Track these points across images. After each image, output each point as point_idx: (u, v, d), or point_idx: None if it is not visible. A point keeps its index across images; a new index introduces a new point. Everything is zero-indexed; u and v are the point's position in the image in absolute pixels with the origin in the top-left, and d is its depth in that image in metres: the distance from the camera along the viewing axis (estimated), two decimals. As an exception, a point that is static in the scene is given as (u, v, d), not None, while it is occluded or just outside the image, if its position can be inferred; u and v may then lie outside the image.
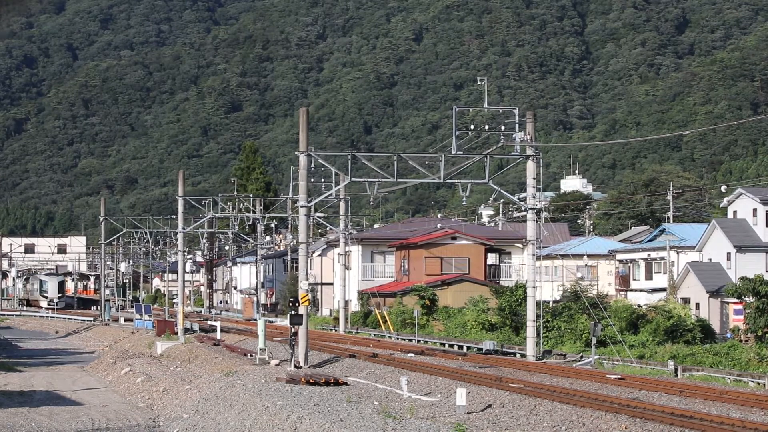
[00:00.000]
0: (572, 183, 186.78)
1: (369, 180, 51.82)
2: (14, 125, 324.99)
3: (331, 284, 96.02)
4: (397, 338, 68.22)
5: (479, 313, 64.66)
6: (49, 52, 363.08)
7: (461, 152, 50.25)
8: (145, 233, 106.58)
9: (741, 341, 52.78)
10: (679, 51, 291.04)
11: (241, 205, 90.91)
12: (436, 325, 70.71)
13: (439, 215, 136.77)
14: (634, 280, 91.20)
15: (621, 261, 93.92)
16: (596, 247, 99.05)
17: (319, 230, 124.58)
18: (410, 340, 65.53)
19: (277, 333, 65.08)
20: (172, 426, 35.82)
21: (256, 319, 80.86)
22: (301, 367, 44.89)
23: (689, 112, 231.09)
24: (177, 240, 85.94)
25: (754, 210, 77.19)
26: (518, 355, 52.66)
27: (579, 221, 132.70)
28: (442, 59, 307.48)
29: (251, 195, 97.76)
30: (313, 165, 50.14)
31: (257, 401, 34.50)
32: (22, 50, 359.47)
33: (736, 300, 58.08)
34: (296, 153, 48.20)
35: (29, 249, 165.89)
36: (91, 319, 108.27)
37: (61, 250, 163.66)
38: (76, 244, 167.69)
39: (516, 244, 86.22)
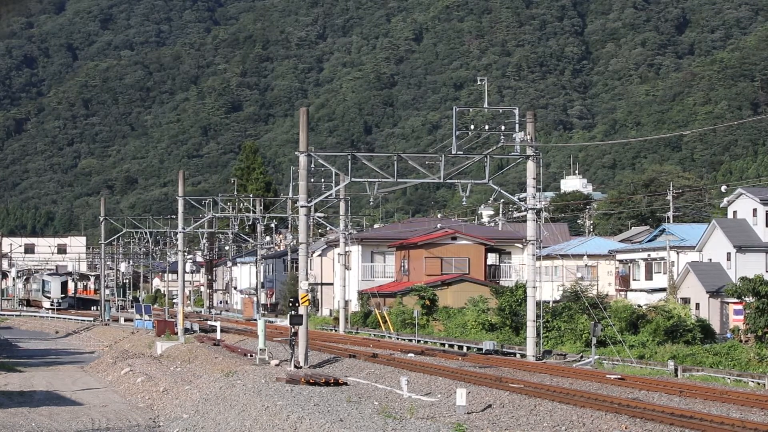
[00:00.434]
0: (572, 183, 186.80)
1: (369, 180, 51.82)
2: (14, 125, 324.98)
3: (331, 284, 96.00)
4: (397, 338, 68.21)
5: (479, 313, 64.66)
6: (49, 52, 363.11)
7: (461, 152, 50.24)
8: (145, 233, 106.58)
9: (741, 341, 52.78)
10: (679, 51, 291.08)
11: (241, 205, 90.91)
12: (436, 325, 70.70)
13: (439, 215, 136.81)
14: (634, 280, 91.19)
15: (621, 261, 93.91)
16: (596, 247, 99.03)
17: (319, 230, 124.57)
18: (410, 340, 65.52)
19: (277, 333, 65.07)
20: (172, 426, 35.83)
21: (256, 320, 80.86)
22: (301, 367, 44.88)
23: (689, 112, 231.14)
24: (177, 240, 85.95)
25: (754, 210, 77.19)
26: (518, 356, 52.66)
27: (579, 221, 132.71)
28: (442, 59, 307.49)
29: (251, 195, 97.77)
30: (313, 165, 50.13)
31: (257, 401, 34.51)
32: (22, 50, 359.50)
33: (736, 300, 58.07)
34: (296, 153, 48.20)
35: (29, 249, 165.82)
36: (91, 319, 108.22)
37: (61, 250, 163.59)
38: (76, 244, 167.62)
39: (516, 244, 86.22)
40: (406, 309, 72.98)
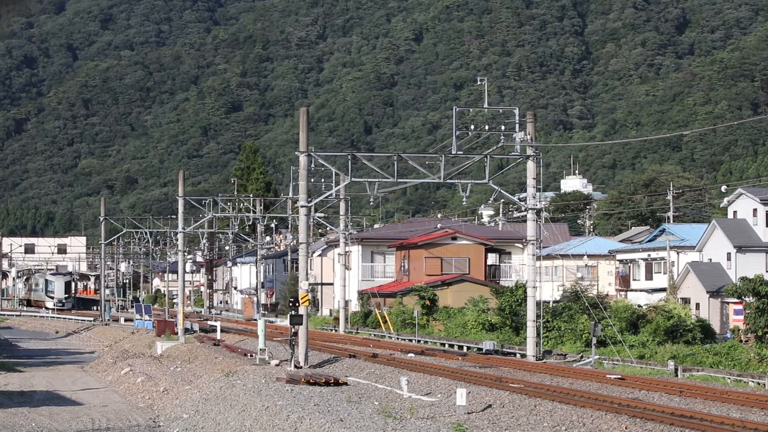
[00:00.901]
0: (572, 183, 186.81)
1: (369, 180, 51.83)
2: (14, 125, 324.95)
3: (331, 284, 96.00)
4: (397, 338, 68.21)
5: (479, 313, 64.66)
6: (49, 52, 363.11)
7: (461, 152, 50.24)
8: (145, 233, 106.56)
9: (741, 341, 52.77)
10: (679, 51, 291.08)
11: (241, 205, 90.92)
12: (436, 325, 70.70)
13: (439, 215, 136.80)
14: (634, 280, 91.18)
15: (621, 261, 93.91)
16: (596, 247, 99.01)
17: (319, 230, 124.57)
18: (410, 340, 65.52)
19: (277, 333, 65.07)
20: (172, 426, 35.83)
21: (256, 319, 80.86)
22: (301, 367, 44.88)
23: (689, 112, 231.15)
24: (177, 240, 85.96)
25: (754, 210, 77.19)
26: (518, 355, 52.66)
27: (579, 221, 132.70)
28: (442, 59, 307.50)
29: (251, 195, 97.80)
30: (313, 165, 50.12)
31: (257, 401, 34.51)
32: (22, 50, 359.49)
33: (736, 300, 58.06)
34: (296, 153, 48.20)
35: (29, 249, 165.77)
36: (91, 319, 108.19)
37: (61, 250, 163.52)
38: (76, 244, 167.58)
39: (516, 244, 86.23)
40: (406, 309, 72.98)
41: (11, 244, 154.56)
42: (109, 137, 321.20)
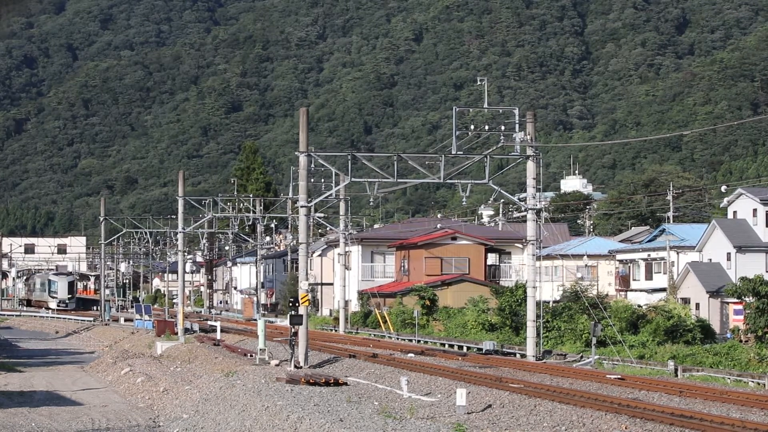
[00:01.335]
0: (572, 183, 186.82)
1: (369, 180, 51.83)
2: (14, 125, 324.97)
3: (331, 284, 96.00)
4: (397, 338, 68.20)
5: (479, 313, 64.65)
6: (49, 52, 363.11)
7: (461, 152, 50.24)
8: (145, 233, 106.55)
9: (741, 341, 52.77)
10: (679, 51, 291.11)
11: (241, 205, 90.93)
12: (436, 326, 70.69)
13: (439, 215, 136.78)
14: (634, 280, 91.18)
15: (621, 261, 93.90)
16: (596, 247, 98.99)
17: (319, 230, 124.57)
18: (410, 341, 65.52)
19: (277, 333, 65.06)
20: (172, 426, 35.83)
21: (256, 320, 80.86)
22: (301, 368, 44.88)
23: (689, 112, 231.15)
24: (177, 240, 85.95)
25: (754, 210, 77.19)
26: (518, 356, 52.65)
27: (579, 221, 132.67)
28: (442, 59, 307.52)
29: (251, 195, 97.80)
30: (313, 165, 50.12)
31: (257, 401, 34.50)
32: (22, 50, 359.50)
33: (736, 300, 58.08)
34: (296, 153, 48.19)
35: (29, 249, 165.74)
36: (91, 319, 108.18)
37: (61, 250, 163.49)
38: (76, 244, 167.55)
39: (516, 244, 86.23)
40: (406, 309, 72.98)
41: (11, 244, 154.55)
42: (109, 137, 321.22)
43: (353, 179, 50.56)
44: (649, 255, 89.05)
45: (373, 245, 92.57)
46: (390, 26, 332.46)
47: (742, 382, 39.76)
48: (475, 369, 42.95)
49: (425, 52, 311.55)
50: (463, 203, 57.06)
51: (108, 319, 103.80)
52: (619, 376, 39.08)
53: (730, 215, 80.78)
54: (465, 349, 57.53)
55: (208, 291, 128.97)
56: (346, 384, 38.49)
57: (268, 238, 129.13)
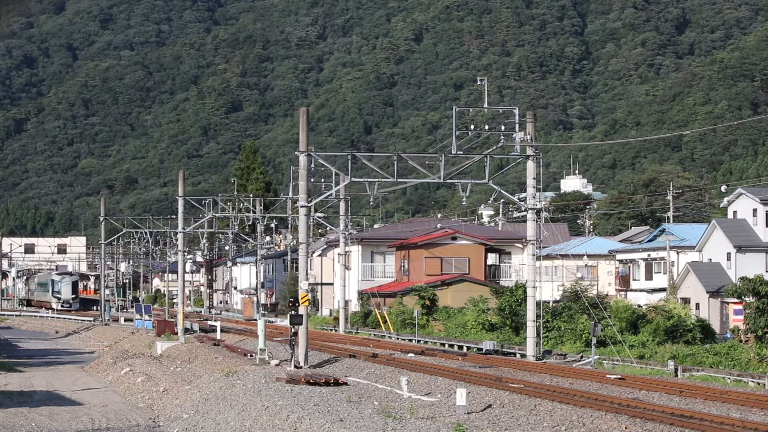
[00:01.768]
0: (572, 183, 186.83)
1: (369, 180, 51.84)
2: (14, 125, 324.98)
3: (331, 284, 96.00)
4: (397, 338, 68.21)
5: (479, 313, 64.65)
6: (49, 52, 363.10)
7: (461, 152, 50.24)
8: (145, 233, 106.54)
9: (741, 341, 52.77)
10: (679, 51, 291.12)
11: (241, 205, 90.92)
12: (436, 325, 70.69)
13: (439, 215, 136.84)
14: (634, 280, 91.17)
15: (621, 261, 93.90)
16: (596, 247, 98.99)
17: (319, 230, 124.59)
18: (410, 340, 65.52)
19: (277, 333, 65.06)
20: (172, 426, 35.84)
21: (256, 319, 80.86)
22: (301, 367, 44.88)
23: (689, 112, 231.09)
24: (177, 240, 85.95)
25: (754, 210, 77.18)
26: (518, 355, 52.65)
27: (579, 221, 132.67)
28: (442, 59, 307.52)
29: (251, 195, 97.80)
30: (313, 165, 50.11)
31: (257, 401, 34.50)
32: (22, 50, 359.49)
33: (736, 300, 58.05)
34: (296, 153, 48.19)
35: (29, 249, 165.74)
36: (91, 319, 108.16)
37: (61, 250, 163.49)
38: (76, 244, 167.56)
39: (516, 244, 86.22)
40: (406, 309, 72.98)
41: (11, 244, 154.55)
42: (109, 137, 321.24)
43: (353, 179, 50.55)
44: (649, 255, 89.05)
45: (373, 245, 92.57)
46: (390, 26, 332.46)
47: (742, 382, 39.76)
48: (475, 369, 42.95)
49: (425, 52, 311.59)
50: (463, 203, 57.11)
51: (108, 319, 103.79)
52: (619, 376, 39.08)
53: (730, 215, 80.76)
54: (465, 349, 57.53)
55: (208, 291, 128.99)
56: (346, 384, 38.48)
57: (268, 238, 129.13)
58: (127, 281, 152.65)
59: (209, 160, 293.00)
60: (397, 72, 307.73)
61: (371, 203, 58.15)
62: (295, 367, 44.75)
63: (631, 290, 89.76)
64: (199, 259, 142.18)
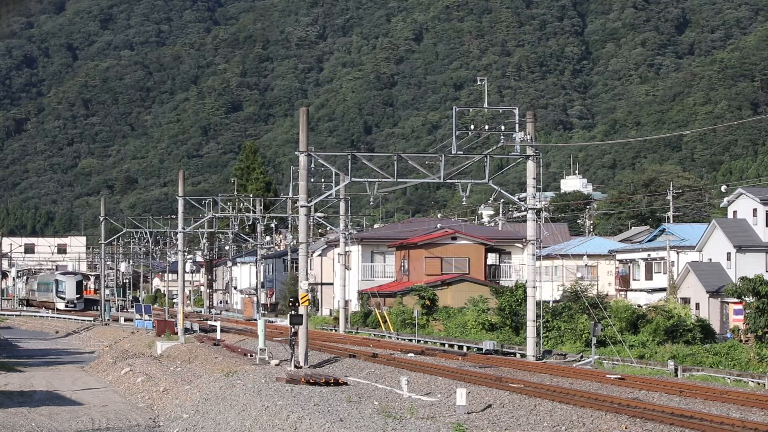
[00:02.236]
0: (572, 183, 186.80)
1: (369, 180, 51.85)
2: (14, 125, 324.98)
3: (331, 284, 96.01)
4: (397, 338, 68.21)
5: (479, 313, 64.66)
6: (49, 52, 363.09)
7: (461, 152, 50.25)
8: (145, 233, 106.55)
9: (741, 341, 52.77)
10: (679, 51, 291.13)
11: (241, 205, 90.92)
12: (436, 325, 70.70)
13: (439, 215, 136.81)
14: (634, 280, 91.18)
15: (621, 261, 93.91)
16: (596, 247, 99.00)
17: (319, 230, 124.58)
18: (410, 340, 65.52)
19: (277, 333, 65.07)
20: (172, 426, 35.84)
21: (256, 319, 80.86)
22: (301, 367, 44.88)
23: (689, 112, 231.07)
24: (177, 240, 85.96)
25: (754, 210, 77.18)
26: (518, 355, 52.66)
27: (579, 221, 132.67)
28: (442, 59, 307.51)
29: (251, 195, 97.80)
30: (313, 165, 50.12)
31: (257, 401, 34.50)
32: (22, 50, 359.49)
33: (736, 300, 58.06)
34: (296, 153, 48.19)
35: (29, 249, 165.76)
36: (91, 319, 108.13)
37: (61, 250, 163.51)
38: (76, 244, 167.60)
39: (516, 244, 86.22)
40: (406, 309, 72.99)
41: (11, 244, 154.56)
42: (109, 137, 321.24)
43: (353, 179, 50.55)
44: (649, 255, 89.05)
45: (373, 245, 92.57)
46: (390, 26, 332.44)
47: (742, 381, 39.77)
48: (475, 369, 42.95)
49: (425, 52, 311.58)
50: (463, 203, 57.11)
51: (108, 319, 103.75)
52: (619, 376, 39.08)
53: (730, 215, 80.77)
54: (465, 348, 57.53)
55: (208, 291, 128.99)
56: (346, 384, 38.48)
57: (268, 238, 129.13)
58: (127, 281, 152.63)
59: (209, 160, 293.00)
60: (397, 72, 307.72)
61: (371, 203, 58.14)
62: (295, 367, 44.75)
63: (631, 290, 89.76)
64: (199, 259, 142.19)
